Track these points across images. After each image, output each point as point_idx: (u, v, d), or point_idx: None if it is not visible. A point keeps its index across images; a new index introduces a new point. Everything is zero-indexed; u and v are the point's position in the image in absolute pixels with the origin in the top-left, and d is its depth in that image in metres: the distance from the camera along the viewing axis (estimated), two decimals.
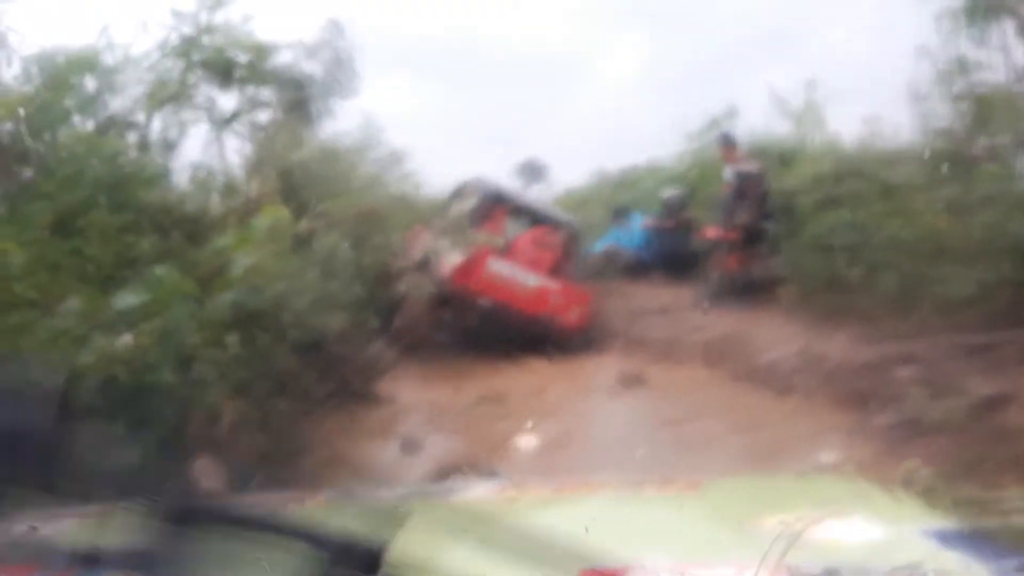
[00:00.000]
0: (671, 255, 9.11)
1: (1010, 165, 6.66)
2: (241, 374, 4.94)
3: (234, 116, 8.30)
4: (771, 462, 4.73)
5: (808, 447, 4.92)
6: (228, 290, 5.25)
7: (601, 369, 7.16)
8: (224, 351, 4.92)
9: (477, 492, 1.42)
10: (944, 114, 7.28)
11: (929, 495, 2.93)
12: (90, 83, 6.74)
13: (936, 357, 5.25)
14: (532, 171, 10.39)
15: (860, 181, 7.38)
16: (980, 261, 5.70)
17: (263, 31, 8.16)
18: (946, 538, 1.02)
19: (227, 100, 8.38)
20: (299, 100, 8.49)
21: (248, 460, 4.39)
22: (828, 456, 4.67)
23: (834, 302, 6.82)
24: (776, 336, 6.75)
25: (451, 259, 7.61)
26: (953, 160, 6.69)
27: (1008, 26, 6.57)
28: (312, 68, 8.61)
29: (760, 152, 8.88)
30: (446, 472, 2.99)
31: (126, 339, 4.22)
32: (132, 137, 7.12)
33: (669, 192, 9.74)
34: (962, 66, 6.94)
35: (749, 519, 1.13)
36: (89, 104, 6.63)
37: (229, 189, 7.41)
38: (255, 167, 7.79)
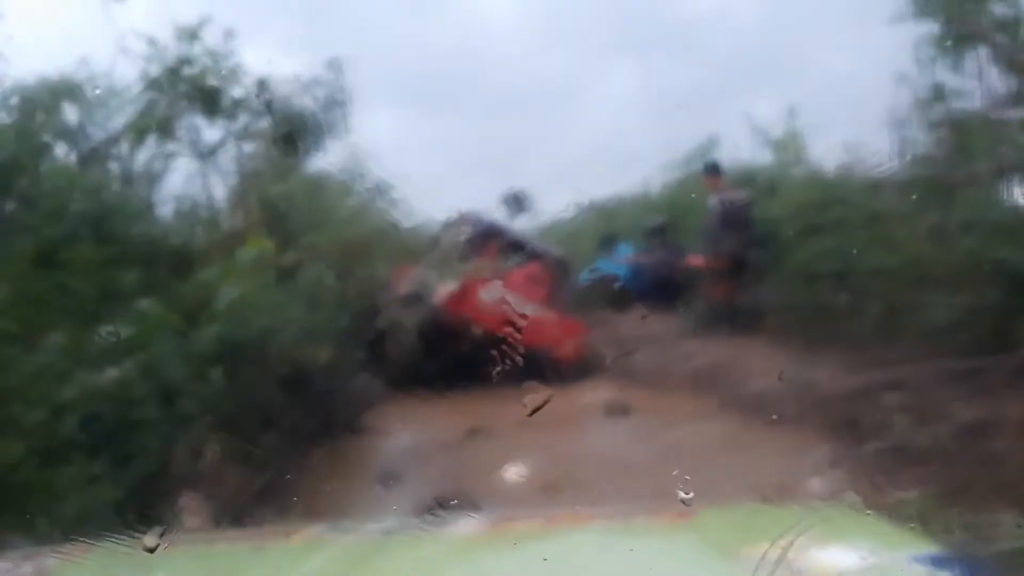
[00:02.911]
0: (657, 285, 9.13)
1: (990, 191, 6.75)
2: (226, 408, 4.90)
3: (218, 147, 8.31)
4: (761, 490, 4.71)
5: (797, 475, 4.90)
6: (213, 323, 5.24)
7: (590, 399, 7.12)
8: (209, 385, 4.90)
9: (465, 526, 1.41)
10: (923, 141, 7.40)
11: (919, 521, 2.93)
12: (72, 114, 6.74)
13: (922, 383, 5.27)
14: (516, 202, 10.42)
15: (843, 209, 7.45)
16: (964, 288, 5.74)
17: (250, 61, 8.20)
18: (937, 563, 1.02)
19: (213, 132, 8.40)
20: (290, 134, 8.52)
21: (234, 495, 4.34)
22: (818, 484, 4.66)
23: (820, 330, 6.85)
24: (763, 364, 6.75)
25: (444, 289, 7.59)
26: (934, 187, 6.77)
27: (983, 54, 6.69)
28: (305, 103, 8.66)
29: (745, 180, 8.95)
30: (434, 506, 2.95)
31: (110, 374, 4.18)
32: (115, 169, 7.11)
33: (651, 221, 9.77)
34: (939, 93, 7.06)
35: (740, 548, 1.13)
36: (71, 135, 6.63)
37: (214, 221, 7.40)
38: (240, 199, 7.79)
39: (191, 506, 4.08)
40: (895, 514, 3.15)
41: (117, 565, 1.32)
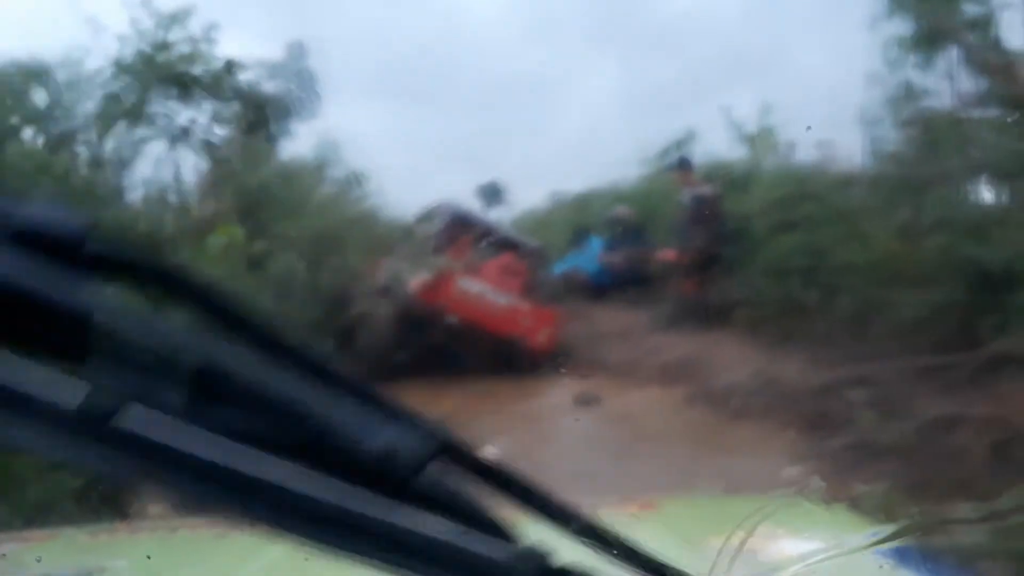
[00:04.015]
0: (628, 279, 9.17)
1: (959, 189, 6.84)
2: None
3: (189, 132, 8.22)
4: (726, 482, 4.75)
5: (763, 467, 4.96)
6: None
7: (560, 390, 7.15)
8: None
9: None
10: (894, 139, 7.48)
11: (881, 514, 2.97)
12: (41, 97, 6.63)
13: (888, 379, 5.33)
14: (492, 193, 10.41)
15: (814, 205, 7.52)
16: (931, 285, 5.82)
17: (226, 48, 8.11)
18: (897, 556, 1.03)
19: (184, 117, 8.30)
20: (260, 119, 8.44)
21: None
22: (784, 476, 4.71)
23: (789, 325, 6.91)
24: (732, 359, 6.81)
25: (418, 279, 7.55)
26: (904, 184, 6.85)
27: (953, 53, 6.77)
28: (275, 88, 8.58)
29: (717, 176, 9.01)
30: None
31: None
32: (85, 154, 7.00)
33: (619, 210, 9.75)
34: (910, 92, 7.14)
35: (703, 538, 1.13)
36: (39, 119, 6.52)
37: (184, 208, 7.31)
38: (211, 186, 7.70)
39: (156, 494, 4.03)
40: (858, 506, 3.19)
41: (79, 551, 1.29)
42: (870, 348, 5.95)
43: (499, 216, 10.18)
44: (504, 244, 8.58)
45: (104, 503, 3.39)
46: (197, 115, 8.34)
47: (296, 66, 8.68)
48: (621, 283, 9.13)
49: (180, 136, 8.11)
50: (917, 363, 5.45)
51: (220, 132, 8.39)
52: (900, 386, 5.26)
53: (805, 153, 8.71)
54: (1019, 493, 2.96)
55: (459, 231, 8.32)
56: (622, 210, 9.73)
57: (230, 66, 8.07)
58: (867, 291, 6.39)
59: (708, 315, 7.74)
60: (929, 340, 5.60)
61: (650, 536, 1.26)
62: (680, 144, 10.53)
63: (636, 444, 5.68)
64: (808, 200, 7.62)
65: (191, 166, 8.04)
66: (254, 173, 7.70)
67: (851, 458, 4.68)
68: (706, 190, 8.35)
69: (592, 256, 9.69)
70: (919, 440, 4.38)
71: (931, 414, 4.54)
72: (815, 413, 5.56)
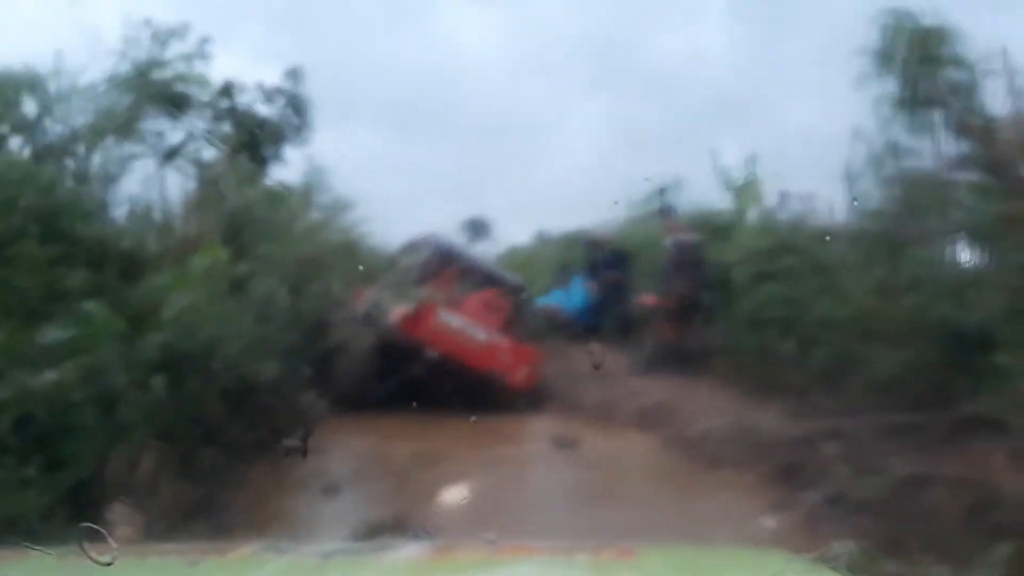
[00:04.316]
0: (609, 312, 9.23)
1: (937, 250, 6.93)
2: (167, 418, 4.78)
3: (178, 150, 8.19)
4: (701, 532, 4.74)
5: (737, 518, 4.96)
6: (159, 331, 5.12)
7: (538, 430, 7.14)
8: (150, 393, 4.77)
9: (405, 552, 1.39)
10: (876, 196, 7.59)
11: (853, 570, 2.97)
12: (31, 107, 6.58)
13: (862, 435, 5.37)
14: (477, 228, 10.49)
15: (794, 257, 7.61)
16: (906, 343, 5.87)
17: (222, 66, 8.13)
18: None
19: (174, 135, 8.28)
20: (252, 141, 8.44)
21: (169, 507, 4.22)
22: (757, 528, 4.71)
23: (766, 375, 6.95)
24: (708, 405, 6.84)
25: (399, 310, 7.53)
26: (883, 241, 6.94)
27: (937, 116, 6.90)
28: (269, 111, 8.60)
29: (701, 223, 9.11)
30: (375, 530, 2.90)
31: (48, 376, 4.05)
32: (72, 167, 6.95)
33: (597, 233, 9.75)
34: (894, 151, 7.26)
35: None
36: (27, 129, 6.46)
37: (168, 227, 7.26)
38: (197, 206, 7.66)
39: (123, 516, 3.96)
40: (830, 562, 3.19)
41: (44, 572, 1.28)
42: (845, 402, 5.99)
43: (484, 251, 10.24)
44: (487, 279, 8.60)
45: (71, 522, 3.34)
46: (188, 134, 8.33)
47: (292, 91, 8.72)
48: (602, 321, 9.17)
49: (169, 154, 8.08)
50: (891, 420, 5.48)
51: (210, 152, 8.38)
52: (874, 442, 5.29)
53: (788, 205, 8.81)
54: (992, 556, 2.98)
55: (443, 264, 8.33)
56: (600, 233, 9.75)
57: (227, 88, 8.09)
58: (843, 345, 6.44)
59: (686, 361, 7.78)
60: (903, 398, 5.64)
61: None
62: (666, 190, 10.65)
63: (613, 488, 5.66)
64: (788, 252, 7.71)
65: (178, 185, 8.00)
66: (241, 194, 7.67)
67: (825, 512, 4.68)
68: (689, 237, 8.45)
69: (574, 295, 9.73)
70: (892, 497, 4.40)
71: (904, 472, 4.57)
72: (790, 464, 5.58)
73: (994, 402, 4.73)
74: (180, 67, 7.68)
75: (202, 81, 8.09)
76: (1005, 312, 5.18)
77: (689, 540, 4.57)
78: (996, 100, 6.80)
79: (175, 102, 8.00)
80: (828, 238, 7.68)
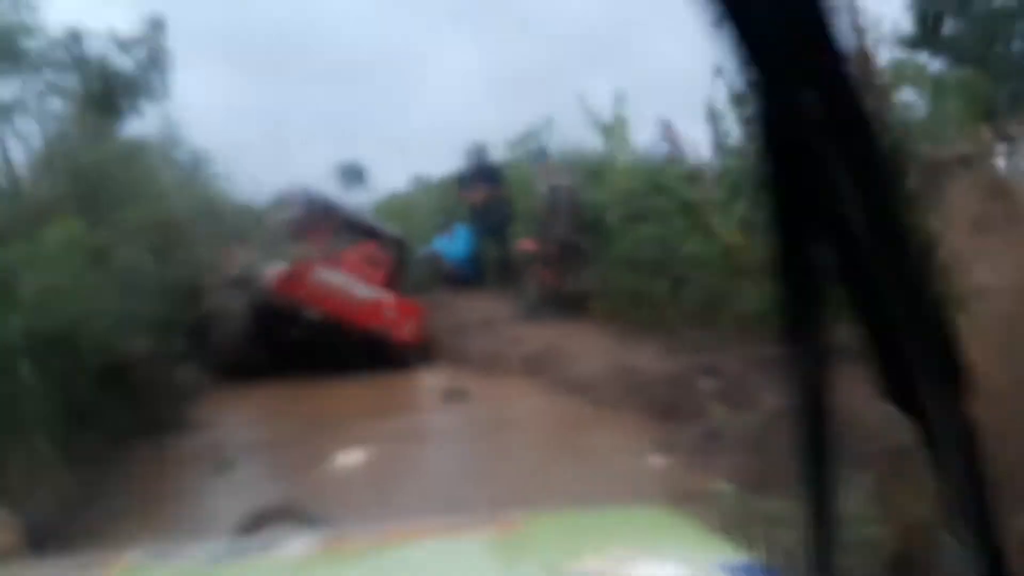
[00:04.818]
0: (490, 263, 9.28)
1: None
2: (35, 407, 4.52)
3: (17, 106, 7.57)
4: (593, 474, 4.94)
5: (626, 458, 5.19)
6: (17, 312, 4.80)
7: (427, 385, 7.17)
8: (14, 381, 4.50)
9: (296, 545, 1.39)
10: (738, 134, 7.85)
11: (730, 517, 3.19)
12: None
13: (734, 370, 5.67)
14: (352, 174, 10.20)
15: (664, 198, 7.82)
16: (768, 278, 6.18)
17: (69, 15, 7.50)
18: (743, 572, 1.13)
19: (6, 90, 7.65)
20: (102, 95, 7.87)
21: (50, 504, 4.02)
22: (646, 467, 4.96)
23: (642, 316, 7.20)
24: (590, 349, 7.04)
25: (274, 270, 7.27)
26: (746, 179, 7.22)
27: None
28: (123, 63, 8.00)
29: (574, 166, 9.19)
30: (262, 520, 2.85)
31: None
32: None
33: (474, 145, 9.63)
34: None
35: (565, 560, 1.20)
36: None
37: (16, 193, 6.76)
38: (45, 168, 7.13)
39: (0, 521, 3.74)
40: (709, 507, 3.41)
41: None
42: (718, 338, 6.29)
43: (359, 199, 9.99)
44: (365, 232, 8.42)
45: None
46: (25, 89, 7.71)
47: (150, 42, 8.13)
48: (484, 269, 9.22)
49: (5, 111, 7.46)
50: (760, 353, 5.79)
51: (57, 107, 7.78)
52: (745, 376, 5.59)
53: (657, 145, 9.01)
54: (856, 486, 3.23)
55: (317, 218, 8.09)
56: (477, 144, 9.65)
57: (74, 36, 7.47)
58: (713, 283, 6.73)
59: (567, 305, 7.95)
60: (770, 332, 5.94)
61: (511, 563, 1.31)
62: (540, 130, 10.66)
63: (505, 437, 5.79)
64: (658, 192, 7.90)
65: (22, 145, 7.41)
66: (94, 153, 7.18)
67: (704, 448, 4.96)
68: (563, 180, 8.53)
69: (457, 242, 9.69)
70: (763, 432, 4.68)
71: (772, 406, 4.85)
72: (670, 402, 5.84)
73: (846, 330, 5.07)
74: (12, 17, 7.05)
75: (30, 29, 7.47)
76: None
77: (580, 483, 4.77)
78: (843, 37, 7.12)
79: (10, 51, 7.37)
80: (696, 177, 7.93)
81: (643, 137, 9.50)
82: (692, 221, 7.39)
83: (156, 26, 8.36)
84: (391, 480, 5.05)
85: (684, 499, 4.39)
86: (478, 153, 9.65)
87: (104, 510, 4.23)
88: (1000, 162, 5.87)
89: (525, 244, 8.66)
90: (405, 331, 7.73)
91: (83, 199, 6.55)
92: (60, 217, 5.81)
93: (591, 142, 9.86)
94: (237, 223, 8.00)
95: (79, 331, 5.13)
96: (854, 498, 3.20)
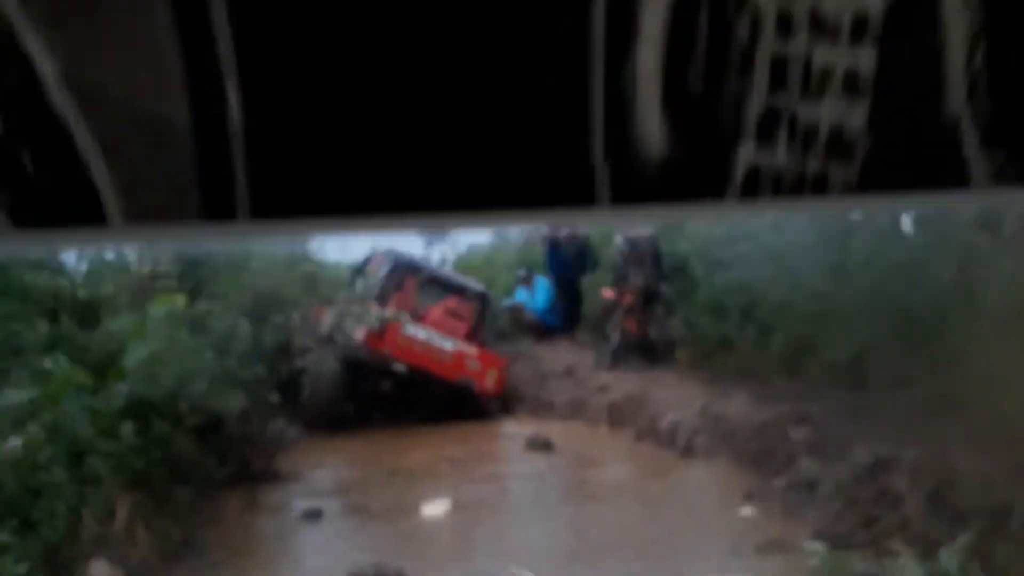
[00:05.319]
0: (572, 315, 9.27)
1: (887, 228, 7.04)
2: (137, 464, 4.76)
3: None
4: (681, 525, 4.87)
5: (715, 509, 5.10)
6: (122, 380, 5.09)
7: (511, 433, 7.21)
8: (118, 442, 4.74)
9: None
10: None
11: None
12: None
13: (825, 419, 5.50)
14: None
15: (748, 244, 7.70)
16: (859, 324, 5.99)
17: None
18: None
19: None
20: None
21: (148, 556, 4.21)
22: (735, 518, 4.86)
23: (729, 363, 7.08)
24: (676, 397, 6.95)
25: (362, 327, 7.53)
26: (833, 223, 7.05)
27: None
28: None
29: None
30: None
31: (14, 443, 4.00)
32: None
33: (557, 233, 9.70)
34: None
35: None
36: None
37: (122, 268, 7.15)
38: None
39: (103, 572, 3.94)
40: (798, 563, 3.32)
41: None
42: (807, 386, 6.12)
43: (441, 251, 10.18)
44: (448, 288, 8.60)
45: None
46: None
47: None
48: (567, 320, 9.23)
49: None
50: (852, 402, 5.60)
51: None
52: (835, 425, 5.41)
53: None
54: (957, 543, 3.10)
55: (402, 277, 8.31)
56: (562, 234, 9.70)
57: None
58: (800, 330, 6.56)
59: (651, 353, 7.88)
60: (862, 379, 5.75)
61: None
62: None
63: (590, 486, 5.76)
64: (742, 239, 7.79)
65: None
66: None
67: (795, 499, 4.82)
68: (640, 231, 8.51)
69: (539, 294, 9.73)
70: (857, 482, 4.52)
71: (867, 457, 4.68)
72: (759, 451, 5.70)
73: (950, 381, 4.85)
74: None
75: None
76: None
77: (670, 535, 4.70)
78: None
79: None
80: (779, 223, 7.79)
81: None
82: (777, 268, 7.26)
83: None
84: (475, 530, 5.08)
85: (774, 551, 4.29)
86: (564, 244, 9.73)
87: (199, 559, 4.40)
88: None
89: (607, 293, 8.65)
90: (488, 382, 7.86)
91: (183, 271, 6.93)
92: (163, 296, 6.15)
93: None
94: (327, 284, 8.27)
95: (178, 393, 5.39)
96: (956, 555, 3.07)
